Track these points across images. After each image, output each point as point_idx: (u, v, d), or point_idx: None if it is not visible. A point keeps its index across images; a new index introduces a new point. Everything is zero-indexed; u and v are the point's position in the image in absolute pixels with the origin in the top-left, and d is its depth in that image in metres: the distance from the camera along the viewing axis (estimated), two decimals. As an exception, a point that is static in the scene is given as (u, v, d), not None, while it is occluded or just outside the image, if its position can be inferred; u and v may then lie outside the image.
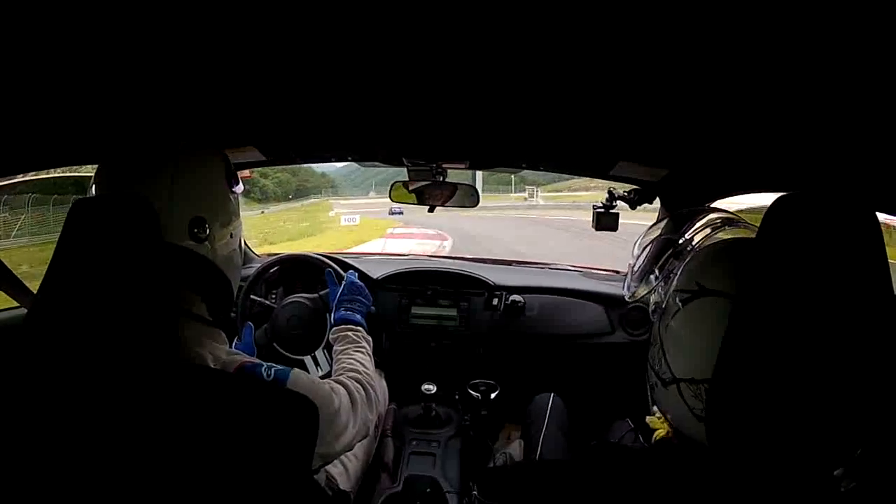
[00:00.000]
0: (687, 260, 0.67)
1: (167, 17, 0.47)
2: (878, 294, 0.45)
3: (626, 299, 0.88)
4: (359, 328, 1.08)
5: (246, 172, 1.57)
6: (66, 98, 0.70)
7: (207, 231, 0.74)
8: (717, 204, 1.21)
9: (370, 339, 1.08)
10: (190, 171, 0.74)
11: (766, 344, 0.47)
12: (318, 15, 0.48)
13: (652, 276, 0.79)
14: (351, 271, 1.27)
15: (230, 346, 0.76)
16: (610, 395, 1.44)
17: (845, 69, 0.49)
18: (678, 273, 0.67)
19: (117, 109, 0.77)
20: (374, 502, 1.23)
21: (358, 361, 0.96)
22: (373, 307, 1.21)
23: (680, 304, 0.63)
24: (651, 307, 0.77)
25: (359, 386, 0.87)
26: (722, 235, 0.74)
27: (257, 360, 0.74)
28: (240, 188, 0.84)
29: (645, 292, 0.81)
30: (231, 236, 0.80)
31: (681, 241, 0.76)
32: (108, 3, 0.44)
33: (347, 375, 0.90)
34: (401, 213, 20.49)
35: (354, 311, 1.12)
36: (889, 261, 0.46)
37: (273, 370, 0.73)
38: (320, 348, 1.43)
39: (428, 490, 1.22)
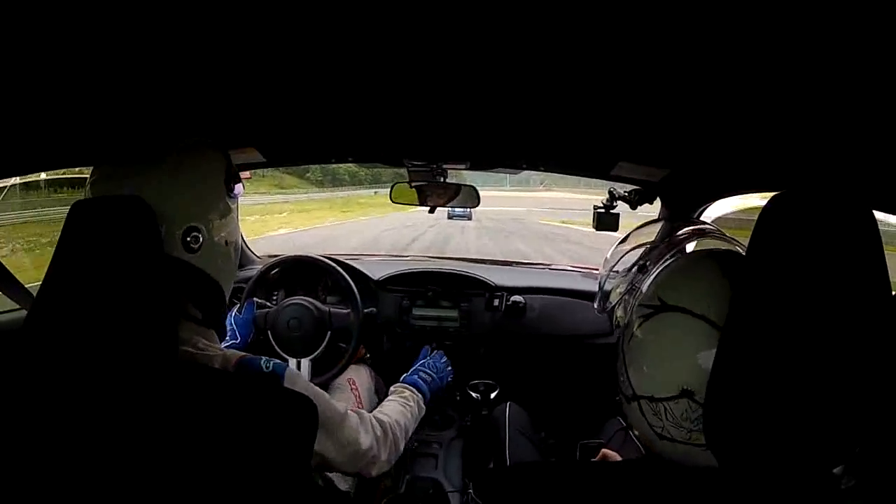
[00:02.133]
0: (652, 274, 0.65)
1: (167, 16, 0.47)
2: (876, 293, 0.45)
3: (597, 312, 0.84)
4: (419, 395, 1.12)
5: (247, 173, 1.57)
6: (66, 99, 0.70)
7: (200, 241, 0.72)
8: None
9: (424, 408, 1.11)
10: (183, 177, 0.72)
11: (764, 344, 0.47)
12: (318, 15, 0.48)
13: (619, 289, 0.77)
14: (440, 353, 1.33)
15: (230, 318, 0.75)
16: (610, 395, 1.44)
17: (845, 68, 0.49)
18: (642, 287, 0.65)
19: (117, 111, 0.78)
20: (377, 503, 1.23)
21: (396, 412, 1.00)
22: (447, 380, 1.28)
23: (641, 318, 0.61)
24: (615, 321, 0.75)
25: (377, 424, 0.90)
26: (693, 247, 0.73)
27: (253, 355, 0.74)
28: (240, 191, 0.83)
29: (612, 305, 0.78)
30: (226, 244, 0.78)
31: (648, 255, 0.73)
32: (108, 1, 0.44)
33: (378, 411, 0.95)
34: (468, 217, 17.82)
35: (425, 382, 1.16)
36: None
37: (272, 363, 0.73)
38: (308, 358, 1.42)
39: (430, 491, 1.22)
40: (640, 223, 0.93)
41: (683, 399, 0.55)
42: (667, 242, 0.74)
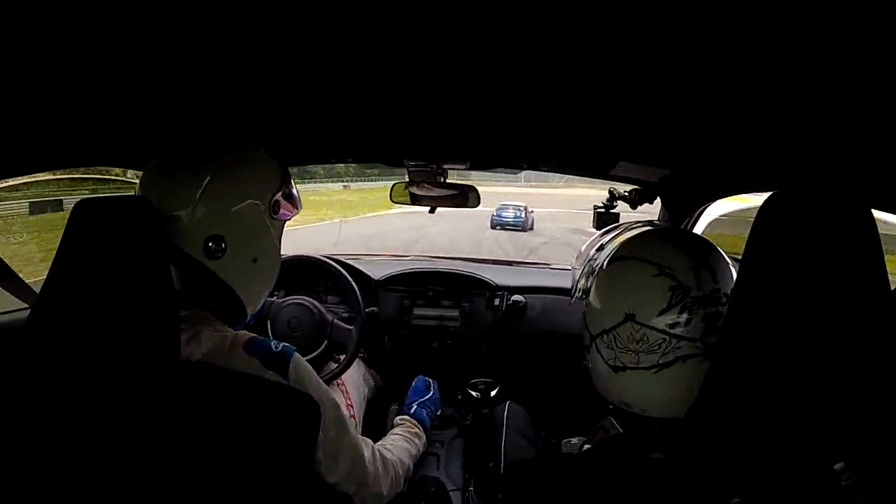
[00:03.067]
0: (610, 245, 0.79)
1: (171, 18, 0.48)
2: (875, 291, 0.45)
3: (570, 302, 0.93)
4: (423, 434, 1.19)
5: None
6: (66, 99, 0.70)
7: (224, 249, 0.72)
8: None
9: (425, 442, 1.20)
10: (218, 186, 0.72)
11: (762, 342, 0.47)
12: (319, 16, 0.48)
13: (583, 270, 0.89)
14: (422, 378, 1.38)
15: None
16: None
17: (844, 69, 0.50)
18: (601, 258, 0.78)
19: (121, 111, 0.78)
20: None
21: (401, 450, 1.05)
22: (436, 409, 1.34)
23: (599, 271, 0.74)
24: (578, 293, 0.86)
25: (381, 458, 0.92)
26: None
27: (262, 337, 0.75)
28: (287, 216, 0.82)
29: (577, 285, 0.89)
30: (254, 260, 0.77)
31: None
32: (115, 6, 0.44)
33: (381, 446, 0.98)
34: (525, 228, 14.02)
35: (427, 418, 1.24)
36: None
37: (281, 344, 0.75)
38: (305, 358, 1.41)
39: (432, 490, 1.22)
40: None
41: (627, 322, 0.67)
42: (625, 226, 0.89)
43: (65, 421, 0.55)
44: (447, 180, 1.42)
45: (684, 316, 0.64)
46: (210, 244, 0.71)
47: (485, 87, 0.71)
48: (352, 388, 1.37)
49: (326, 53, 0.58)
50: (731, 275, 0.67)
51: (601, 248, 0.86)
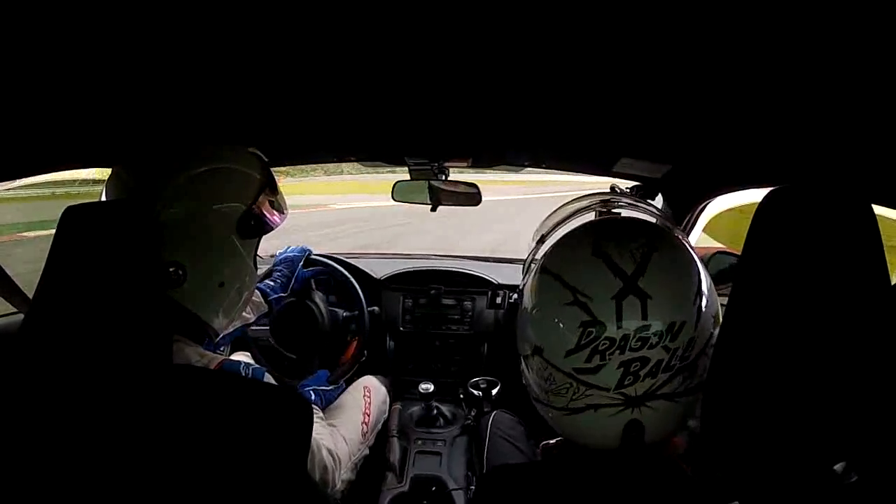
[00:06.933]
0: (547, 243, 0.70)
1: (168, 14, 0.47)
2: (875, 287, 0.44)
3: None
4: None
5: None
6: (63, 97, 0.70)
7: (182, 276, 0.68)
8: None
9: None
10: (180, 210, 0.68)
11: (762, 340, 0.46)
12: (319, 13, 0.48)
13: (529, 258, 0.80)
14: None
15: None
16: None
17: (844, 63, 0.49)
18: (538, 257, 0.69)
19: (116, 108, 0.77)
20: (381, 502, 1.23)
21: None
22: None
23: (526, 283, 0.65)
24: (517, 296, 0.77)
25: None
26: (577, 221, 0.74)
27: (235, 360, 0.74)
28: (262, 231, 0.78)
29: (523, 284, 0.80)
30: (220, 285, 0.73)
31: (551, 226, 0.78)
32: (109, 5, 0.44)
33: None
34: None
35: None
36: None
37: (251, 369, 0.73)
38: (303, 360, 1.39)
39: (434, 489, 1.22)
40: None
41: (537, 356, 0.59)
42: (569, 212, 0.77)
43: (60, 425, 0.55)
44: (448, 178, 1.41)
45: (595, 360, 0.53)
46: (170, 269, 0.68)
47: (487, 84, 0.70)
48: (376, 400, 1.35)
49: (327, 51, 0.58)
50: (685, 300, 0.55)
51: (542, 239, 0.76)
